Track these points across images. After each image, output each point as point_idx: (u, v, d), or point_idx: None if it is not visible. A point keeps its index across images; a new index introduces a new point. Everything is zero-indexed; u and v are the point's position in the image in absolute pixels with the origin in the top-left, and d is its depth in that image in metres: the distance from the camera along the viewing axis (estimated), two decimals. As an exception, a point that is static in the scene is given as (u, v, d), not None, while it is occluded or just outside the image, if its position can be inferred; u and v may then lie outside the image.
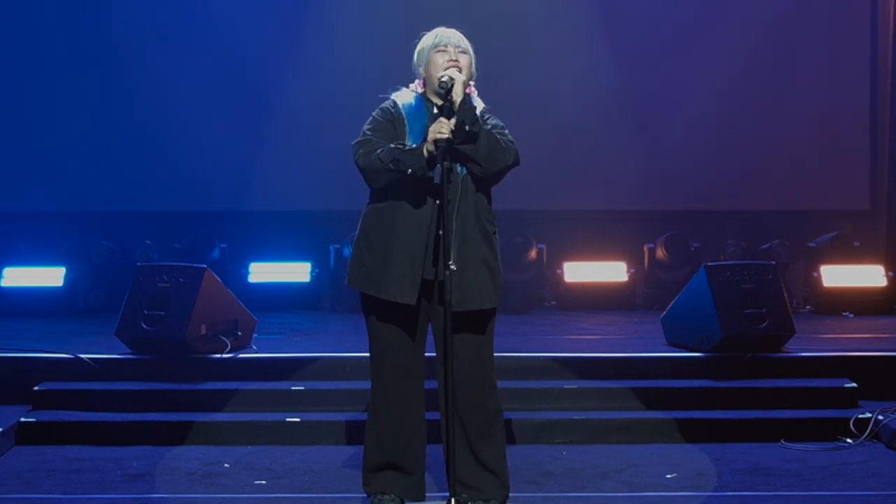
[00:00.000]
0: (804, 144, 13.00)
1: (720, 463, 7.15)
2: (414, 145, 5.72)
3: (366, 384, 8.03)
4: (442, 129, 5.56)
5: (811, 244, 12.46)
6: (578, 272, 12.47)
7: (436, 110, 5.80)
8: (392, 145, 5.70)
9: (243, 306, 9.00)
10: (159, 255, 12.19)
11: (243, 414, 7.94)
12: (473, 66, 5.89)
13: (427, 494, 6.00)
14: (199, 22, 12.76)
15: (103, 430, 7.72)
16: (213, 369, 8.41)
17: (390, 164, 5.64)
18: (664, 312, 9.28)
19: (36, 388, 8.12)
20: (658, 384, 8.24)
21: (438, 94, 5.74)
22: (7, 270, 12.07)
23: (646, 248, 12.63)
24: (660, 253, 12.50)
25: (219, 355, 8.48)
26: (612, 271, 12.51)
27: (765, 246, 12.46)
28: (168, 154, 12.58)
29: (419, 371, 5.96)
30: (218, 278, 8.87)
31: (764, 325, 8.53)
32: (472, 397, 5.82)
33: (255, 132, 12.80)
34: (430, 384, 5.98)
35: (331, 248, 12.32)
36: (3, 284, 12.03)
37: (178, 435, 7.68)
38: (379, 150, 5.70)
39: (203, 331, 8.49)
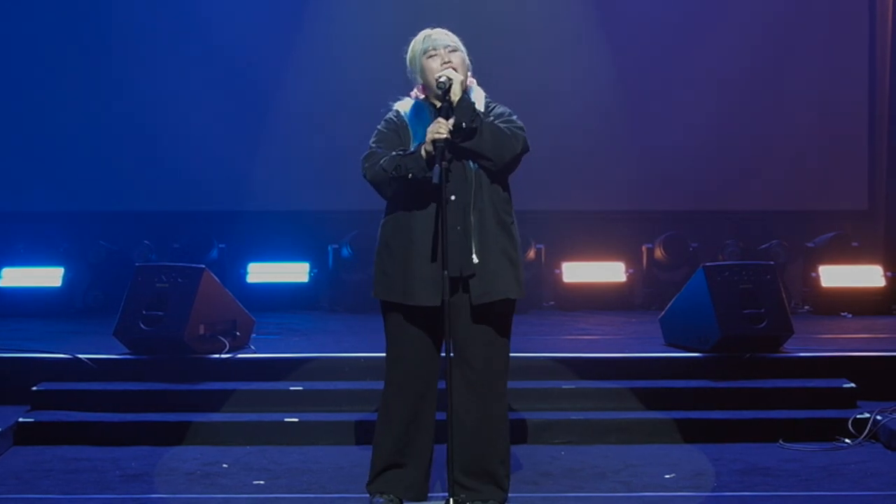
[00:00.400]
0: (803, 144, 13.01)
1: (718, 463, 7.15)
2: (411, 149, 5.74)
3: (364, 384, 8.12)
4: (440, 128, 5.59)
5: (810, 244, 12.46)
6: (577, 272, 12.47)
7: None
8: (394, 153, 5.73)
9: (241, 306, 9.00)
10: (158, 255, 12.19)
11: (241, 414, 7.94)
12: (467, 59, 5.90)
13: (429, 494, 6.00)
14: (197, 22, 12.75)
15: (102, 430, 7.71)
16: (212, 369, 8.41)
17: (393, 172, 5.69)
18: (663, 312, 9.28)
19: (34, 388, 8.12)
20: (656, 384, 8.24)
21: (437, 96, 5.75)
22: (5, 270, 12.07)
23: (644, 249, 12.62)
24: (658, 253, 12.50)
25: (217, 355, 8.48)
26: (610, 271, 12.51)
27: (763, 246, 12.46)
28: (166, 154, 12.57)
29: (433, 372, 5.95)
30: (216, 278, 8.87)
31: (762, 325, 8.53)
32: (480, 398, 5.82)
33: (253, 132, 12.79)
34: (442, 384, 5.96)
35: (329, 248, 12.33)
36: (1, 284, 12.03)
37: (176, 435, 7.68)
38: (382, 161, 5.74)
39: (201, 331, 8.49)
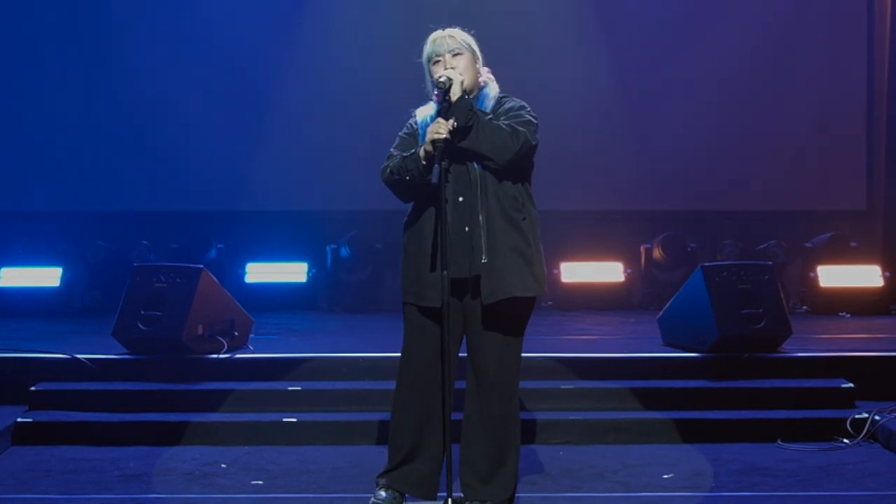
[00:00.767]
0: (801, 145, 13.01)
1: (717, 463, 7.15)
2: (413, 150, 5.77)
3: (363, 384, 8.14)
4: (439, 129, 5.59)
5: (808, 244, 12.47)
6: (575, 272, 12.47)
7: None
8: (402, 155, 5.76)
9: (240, 306, 9.00)
10: (156, 255, 12.20)
11: (240, 414, 7.94)
12: (478, 57, 5.91)
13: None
14: (196, 22, 12.75)
15: (100, 430, 7.71)
16: (210, 369, 8.41)
17: (396, 174, 5.74)
18: (661, 313, 9.28)
19: (32, 388, 8.12)
20: (655, 384, 8.24)
21: (439, 97, 5.75)
22: (4, 270, 12.06)
23: (642, 249, 12.63)
24: (656, 253, 12.50)
25: (215, 355, 8.48)
26: (608, 272, 12.52)
27: (761, 246, 12.47)
28: (165, 154, 12.56)
29: (449, 373, 5.93)
30: (214, 278, 8.87)
31: (761, 325, 8.53)
32: (489, 399, 5.83)
33: (251, 132, 12.79)
34: (460, 384, 5.96)
35: (327, 248, 12.33)
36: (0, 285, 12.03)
37: (174, 435, 7.68)
38: (391, 164, 5.82)
39: (200, 331, 8.49)
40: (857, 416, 7.74)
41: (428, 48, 5.89)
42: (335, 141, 12.45)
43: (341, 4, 12.88)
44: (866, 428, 7.61)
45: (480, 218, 5.72)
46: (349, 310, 11.97)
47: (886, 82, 12.93)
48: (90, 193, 12.73)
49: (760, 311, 8.56)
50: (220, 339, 8.57)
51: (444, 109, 5.68)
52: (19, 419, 7.78)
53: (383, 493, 5.92)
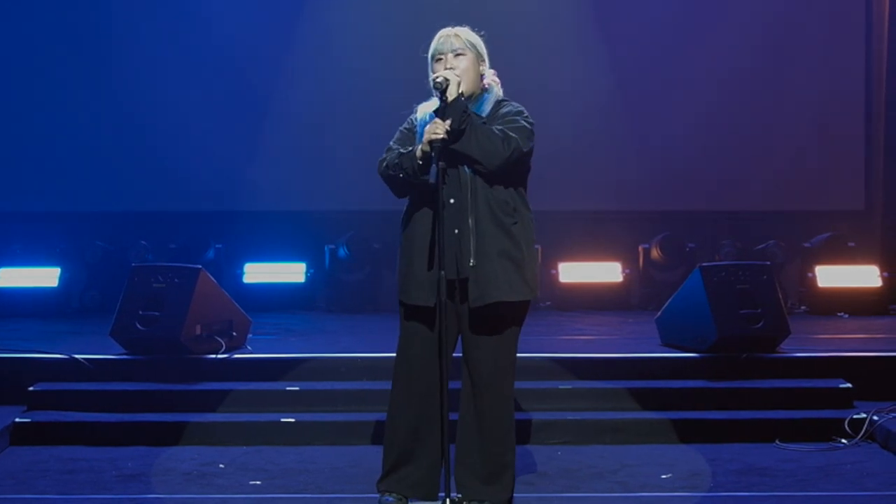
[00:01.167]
0: (800, 145, 13.01)
1: (715, 463, 7.15)
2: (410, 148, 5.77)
3: (361, 384, 8.13)
4: (437, 129, 5.59)
5: (806, 244, 12.46)
6: (573, 272, 12.47)
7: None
8: (399, 151, 5.76)
9: (238, 307, 9.00)
10: (154, 255, 12.19)
11: (238, 414, 7.94)
12: (484, 58, 5.91)
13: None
14: (194, 23, 12.75)
15: (98, 430, 7.71)
16: (208, 370, 8.41)
17: (391, 170, 5.75)
18: (659, 313, 9.28)
19: (31, 388, 8.12)
20: (653, 384, 8.24)
21: (436, 97, 5.75)
22: (2, 271, 12.06)
23: (641, 249, 12.63)
24: (655, 253, 12.50)
25: (214, 356, 8.48)
26: (607, 272, 12.51)
27: (760, 246, 12.47)
28: (163, 154, 12.56)
29: (444, 372, 5.94)
30: (213, 279, 8.87)
31: (759, 325, 8.53)
32: (485, 400, 5.83)
33: (250, 132, 12.79)
34: (455, 384, 5.97)
35: (325, 248, 12.33)
36: (-2, 285, 12.04)
37: (173, 435, 7.67)
38: (388, 158, 5.83)
39: (198, 331, 8.49)
40: (855, 417, 7.74)
41: (433, 45, 5.91)
42: (334, 141, 12.45)
43: (341, 5, 12.87)
44: (864, 428, 7.62)
45: (469, 221, 5.72)
46: (347, 310, 11.96)
47: (885, 82, 12.93)
48: (88, 194, 12.73)
49: (759, 311, 8.57)
50: (219, 339, 8.57)
51: (442, 110, 5.68)
52: (17, 419, 7.78)
53: (390, 499, 5.91)
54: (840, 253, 12.27)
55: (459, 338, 5.95)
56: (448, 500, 5.64)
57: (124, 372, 8.38)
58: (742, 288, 8.66)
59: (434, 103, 5.89)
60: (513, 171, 5.84)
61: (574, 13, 12.97)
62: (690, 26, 12.90)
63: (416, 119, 5.97)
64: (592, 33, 12.96)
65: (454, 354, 5.94)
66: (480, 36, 5.99)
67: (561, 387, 8.19)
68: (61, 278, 12.04)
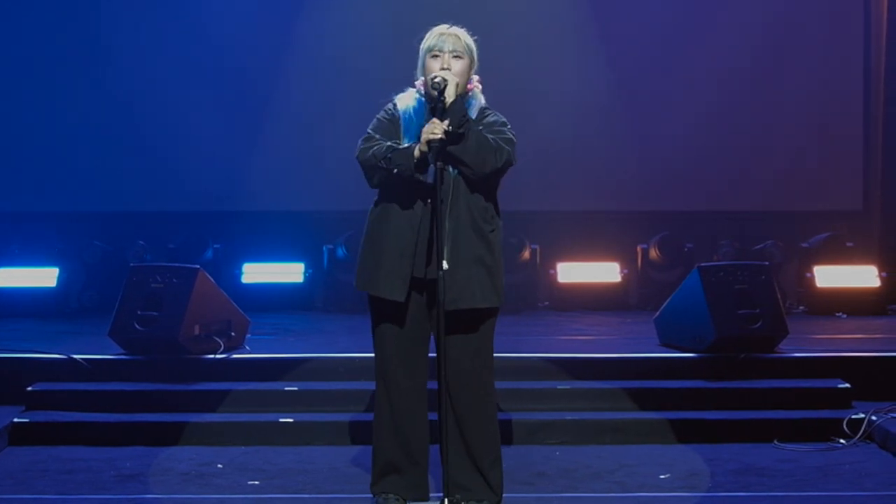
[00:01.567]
0: (797, 145, 13.01)
1: (713, 463, 7.15)
2: (406, 145, 5.75)
3: (359, 384, 8.12)
4: (435, 129, 5.58)
5: (804, 245, 12.46)
6: (572, 273, 12.47)
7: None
8: (388, 143, 5.74)
9: (236, 307, 9.00)
10: (153, 255, 12.17)
11: (237, 414, 7.94)
12: (475, 64, 5.90)
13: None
14: (192, 22, 12.73)
15: (97, 430, 7.71)
16: (207, 370, 8.41)
17: (381, 162, 5.71)
18: (657, 313, 9.28)
19: (29, 388, 8.12)
20: (651, 384, 8.24)
21: (431, 95, 5.75)
22: (0, 271, 12.04)
23: (639, 249, 12.63)
24: (653, 253, 12.50)
25: (212, 356, 8.48)
26: (605, 272, 12.51)
27: (758, 246, 12.47)
28: (161, 154, 12.55)
29: (422, 370, 5.97)
30: (211, 279, 8.87)
31: (757, 325, 8.53)
32: (467, 399, 5.83)
33: (248, 132, 12.78)
34: (433, 384, 5.97)
35: (324, 248, 12.32)
36: (-4, 285, 12.03)
37: (171, 435, 7.68)
38: (375, 147, 5.76)
39: (196, 331, 8.49)
40: (853, 417, 7.74)
41: (431, 40, 5.88)
42: (332, 141, 12.42)
43: (340, 5, 12.87)
44: (863, 428, 7.62)
45: (447, 224, 5.70)
46: (346, 310, 11.95)
47: (883, 83, 12.93)
48: (87, 194, 12.72)
49: (757, 311, 8.57)
50: (217, 339, 8.57)
51: (440, 110, 5.66)
52: (16, 419, 7.78)
53: (391, 499, 5.91)
54: (838, 253, 12.27)
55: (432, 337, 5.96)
56: (447, 501, 5.64)
57: (123, 372, 8.37)
58: (740, 288, 8.66)
59: (411, 94, 5.92)
60: (492, 181, 5.84)
61: (573, 13, 12.95)
62: (688, 26, 12.89)
63: (396, 110, 5.93)
64: (591, 33, 12.94)
65: (431, 354, 5.96)
66: (474, 40, 5.98)
67: (559, 387, 8.19)
68: (60, 278, 12.03)
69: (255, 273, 12.38)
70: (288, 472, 7.03)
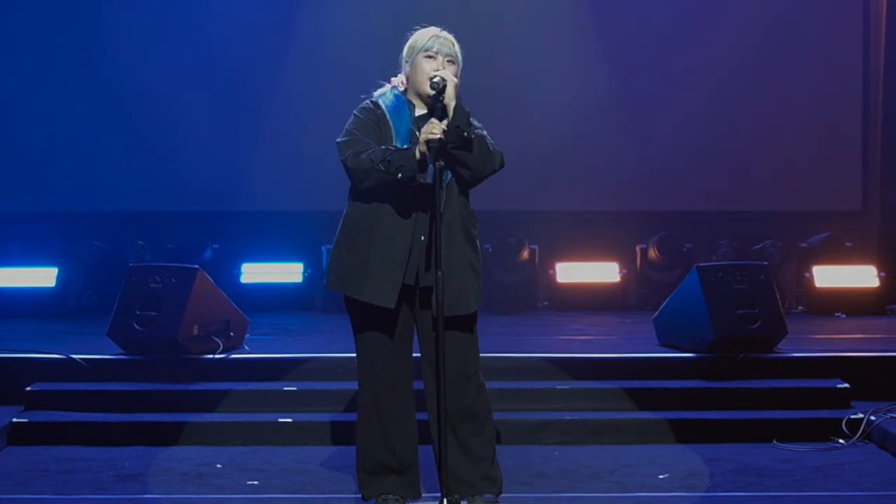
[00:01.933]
0: (796, 145, 13.02)
1: (712, 463, 7.15)
2: (403, 147, 5.70)
3: (358, 385, 8.09)
4: (434, 129, 5.53)
5: (803, 245, 12.47)
6: (571, 273, 12.48)
7: (417, 112, 5.81)
8: (382, 147, 5.68)
9: (235, 307, 8.99)
10: (152, 255, 12.18)
11: (236, 414, 7.94)
12: (459, 73, 5.87)
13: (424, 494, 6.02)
14: (191, 23, 12.75)
15: (96, 430, 7.71)
16: (206, 370, 8.41)
17: (380, 166, 5.59)
18: (656, 313, 9.28)
19: (28, 388, 8.12)
20: (650, 384, 8.24)
21: (427, 95, 5.71)
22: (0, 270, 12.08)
23: (638, 249, 12.63)
24: (652, 253, 12.50)
25: (211, 356, 8.48)
26: (604, 272, 12.52)
27: (757, 246, 12.47)
28: (160, 154, 12.56)
29: (408, 372, 5.96)
30: (210, 279, 8.86)
31: (756, 325, 8.53)
32: (461, 397, 5.83)
33: (247, 133, 12.79)
34: (417, 384, 5.98)
35: (323, 248, 12.30)
36: (-5, 285, 12.04)
37: (170, 435, 7.68)
38: (370, 151, 5.66)
39: (195, 331, 8.49)
40: (852, 417, 7.74)
41: (426, 40, 5.83)
42: (331, 141, 12.33)
43: (340, 5, 12.87)
44: (862, 428, 7.62)
45: (441, 229, 5.66)
46: (345, 310, 11.91)
47: (882, 83, 12.94)
48: (86, 194, 12.73)
49: (756, 311, 8.57)
50: (216, 339, 8.57)
51: (439, 110, 5.63)
52: (15, 419, 7.78)
53: (391, 498, 5.91)
54: (837, 253, 12.27)
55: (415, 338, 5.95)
56: (445, 501, 5.64)
57: (122, 372, 8.37)
58: (739, 288, 8.66)
59: (390, 92, 5.89)
60: (477, 185, 5.86)
61: (573, 13, 12.96)
62: (688, 26, 12.90)
63: (378, 110, 5.84)
64: (591, 33, 12.95)
65: (413, 355, 5.96)
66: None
67: (558, 387, 8.19)
68: (59, 278, 12.04)
69: (254, 273, 12.39)
70: (287, 472, 7.03)
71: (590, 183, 12.90)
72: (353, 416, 7.65)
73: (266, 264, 12.43)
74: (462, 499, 5.84)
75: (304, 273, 12.41)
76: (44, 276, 12.02)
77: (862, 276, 12.07)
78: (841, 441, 7.59)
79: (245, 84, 12.77)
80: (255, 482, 6.81)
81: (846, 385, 8.14)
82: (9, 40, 12.76)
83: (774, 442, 7.59)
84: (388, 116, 5.83)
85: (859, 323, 11.11)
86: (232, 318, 8.84)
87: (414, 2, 12.01)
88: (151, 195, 12.66)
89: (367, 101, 5.93)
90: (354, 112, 5.91)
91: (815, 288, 12.03)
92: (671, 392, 8.15)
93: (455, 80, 5.70)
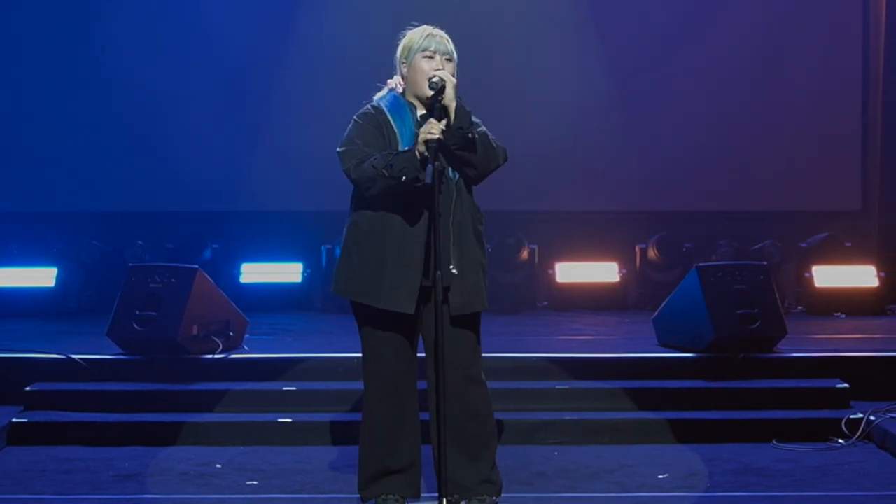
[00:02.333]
0: (796, 145, 13.03)
1: (712, 463, 7.15)
2: (404, 149, 5.68)
3: (357, 384, 8.04)
4: (432, 129, 5.51)
5: (803, 245, 12.47)
6: (570, 272, 12.48)
7: (419, 113, 5.80)
8: (385, 152, 5.65)
9: (235, 307, 8.99)
10: (151, 255, 12.19)
11: (235, 414, 7.94)
12: (456, 71, 5.85)
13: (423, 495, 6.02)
14: (191, 23, 12.75)
15: (95, 430, 7.70)
16: (205, 370, 8.40)
17: (384, 171, 5.55)
18: (656, 313, 9.27)
19: (28, 388, 8.11)
20: (650, 384, 8.24)
21: (426, 95, 5.69)
22: (-1, 270, 12.08)
23: (637, 249, 12.63)
24: (652, 253, 12.50)
25: (210, 356, 8.48)
26: (603, 272, 12.52)
27: (757, 246, 12.47)
28: (160, 154, 12.57)
29: (413, 373, 5.96)
30: (209, 279, 8.86)
31: (756, 325, 8.53)
32: (463, 397, 5.82)
33: (247, 132, 12.80)
34: (421, 384, 5.97)
35: (322, 248, 12.32)
36: (-5, 285, 12.04)
37: (169, 435, 7.67)
38: (371, 159, 5.64)
39: (195, 331, 8.49)
40: (852, 417, 7.74)
41: (423, 40, 5.82)
42: (330, 141, 12.24)
43: (340, 5, 12.88)
44: (861, 428, 7.62)
45: (451, 230, 5.67)
46: (344, 310, 11.80)
47: (881, 83, 12.95)
48: (85, 194, 12.74)
49: (756, 311, 8.56)
50: (216, 339, 8.57)
51: (438, 110, 5.62)
52: (14, 419, 7.78)
53: (391, 498, 5.91)
54: (837, 253, 12.27)
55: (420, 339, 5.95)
56: (445, 501, 5.64)
57: (121, 372, 8.37)
58: (739, 288, 8.66)
59: (388, 94, 5.87)
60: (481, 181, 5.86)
61: (573, 13, 12.97)
62: (688, 27, 12.91)
63: (381, 116, 5.81)
64: (591, 33, 12.96)
65: (420, 355, 5.96)
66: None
67: (558, 387, 8.19)
68: (58, 278, 12.04)
69: (254, 273, 12.39)
70: (286, 472, 7.03)
71: (589, 183, 12.91)
72: (352, 416, 7.72)
73: (265, 264, 12.43)
74: (461, 499, 5.83)
75: (303, 273, 12.41)
76: (43, 276, 12.03)
77: (861, 276, 12.07)
78: (840, 441, 7.59)
79: (245, 84, 12.77)
80: (255, 482, 6.81)
81: (846, 385, 8.14)
82: (9, 40, 12.77)
83: (774, 442, 7.59)
84: (390, 120, 5.82)
85: (859, 323, 11.11)
86: (231, 318, 8.83)
87: (414, 2, 11.95)
88: (151, 195, 12.67)
89: (368, 106, 5.92)
90: (355, 118, 5.90)
91: (815, 288, 12.03)
92: (671, 392, 8.15)
93: (454, 80, 5.68)
